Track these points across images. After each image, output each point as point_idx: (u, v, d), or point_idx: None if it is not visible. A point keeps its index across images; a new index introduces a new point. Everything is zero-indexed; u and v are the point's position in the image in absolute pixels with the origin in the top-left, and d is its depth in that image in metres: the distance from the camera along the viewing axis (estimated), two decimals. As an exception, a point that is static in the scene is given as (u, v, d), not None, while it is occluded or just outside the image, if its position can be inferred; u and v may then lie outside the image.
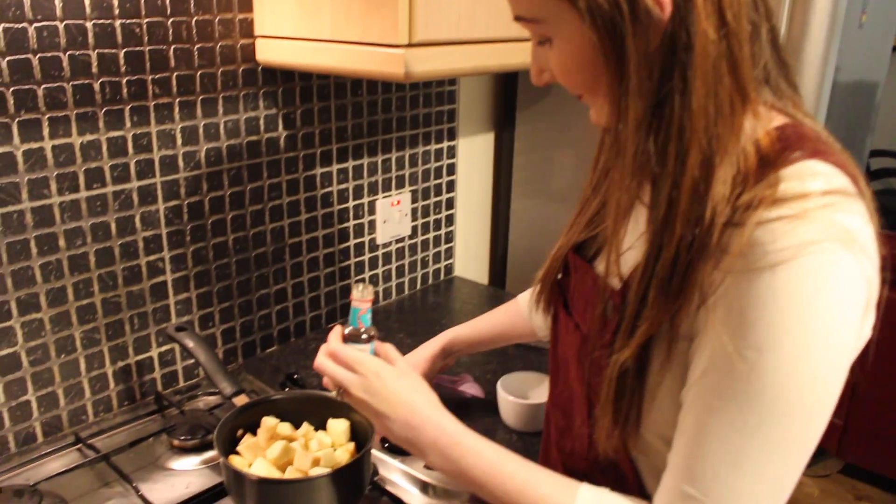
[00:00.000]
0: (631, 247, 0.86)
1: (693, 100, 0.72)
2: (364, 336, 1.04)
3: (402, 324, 1.87)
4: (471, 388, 1.47)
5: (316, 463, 1.12)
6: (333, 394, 1.00)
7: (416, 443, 0.93)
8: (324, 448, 1.15)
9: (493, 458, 0.88)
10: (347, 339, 1.04)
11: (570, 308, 0.99)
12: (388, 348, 1.07)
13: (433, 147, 2.00)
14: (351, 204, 1.83)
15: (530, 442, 1.41)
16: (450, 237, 2.15)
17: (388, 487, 1.26)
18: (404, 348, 1.20)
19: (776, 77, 0.79)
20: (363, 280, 1.89)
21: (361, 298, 1.04)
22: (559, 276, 1.03)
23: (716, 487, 0.73)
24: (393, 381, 0.97)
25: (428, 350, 1.33)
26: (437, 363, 1.33)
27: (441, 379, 1.41)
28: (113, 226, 1.40)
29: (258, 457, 1.13)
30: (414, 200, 1.99)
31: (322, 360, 1.01)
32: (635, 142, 0.75)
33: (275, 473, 1.10)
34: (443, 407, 0.95)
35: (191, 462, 1.35)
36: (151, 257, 1.47)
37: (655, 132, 0.75)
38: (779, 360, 0.69)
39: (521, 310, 1.30)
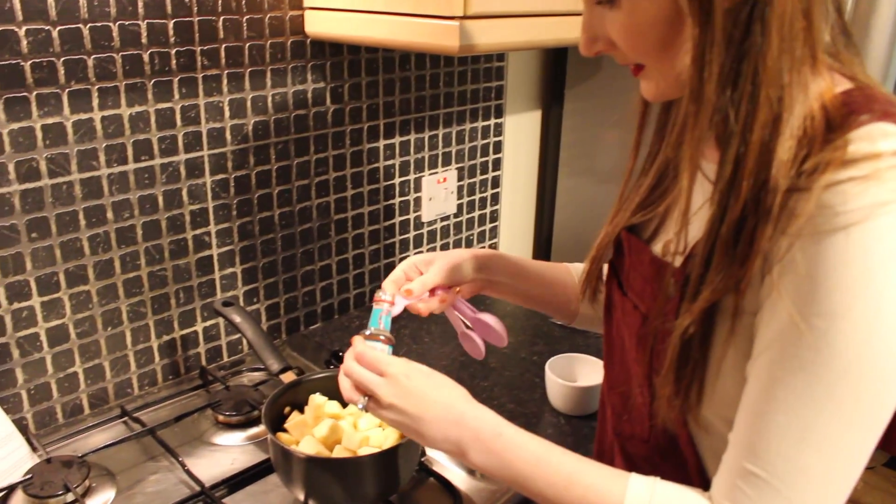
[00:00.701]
0: (690, 223, 0.82)
1: (768, 55, 0.69)
2: (382, 338, 0.98)
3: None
4: (492, 321, 1.12)
5: (364, 443, 1.10)
6: (360, 405, 0.91)
7: (456, 441, 0.87)
8: (372, 427, 1.14)
9: (538, 450, 0.85)
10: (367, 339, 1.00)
11: (625, 289, 0.96)
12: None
13: (480, 124, 1.96)
14: (397, 180, 1.80)
15: (578, 426, 1.38)
16: (495, 216, 2.12)
17: (435, 468, 1.24)
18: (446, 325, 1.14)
19: (840, 43, 0.76)
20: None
21: (383, 299, 1.01)
22: (611, 258, 0.99)
23: (780, 464, 0.70)
24: (423, 379, 0.92)
25: (463, 251, 1.13)
26: (466, 267, 1.10)
27: (461, 306, 1.13)
28: (160, 199, 1.39)
29: (306, 435, 1.12)
30: (460, 178, 1.96)
31: (349, 365, 0.93)
32: (714, 99, 0.72)
33: (323, 452, 1.09)
34: (474, 401, 0.92)
35: (235, 438, 1.34)
36: (198, 231, 1.46)
37: (732, 88, 0.72)
38: (850, 327, 0.66)
39: (572, 274, 1.23)
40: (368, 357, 0.92)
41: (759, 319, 0.73)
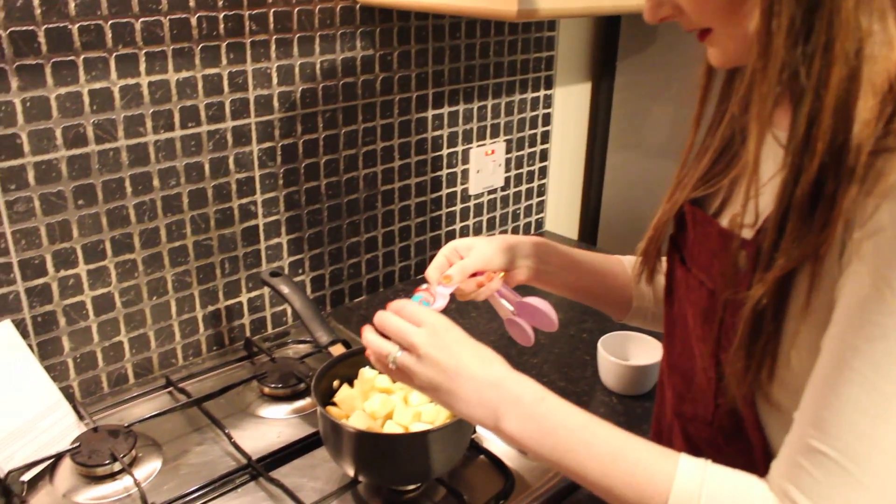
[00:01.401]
0: (761, 194, 0.78)
1: (843, 5, 0.64)
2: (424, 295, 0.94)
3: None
4: (540, 304, 1.04)
5: (416, 418, 1.07)
6: (392, 355, 0.84)
7: (493, 404, 0.81)
8: (424, 403, 1.11)
9: (583, 419, 0.80)
10: None
11: (688, 264, 0.91)
12: None
13: (529, 95, 1.91)
14: (445, 152, 1.76)
15: (631, 406, 1.35)
16: (542, 190, 2.07)
17: (486, 446, 1.21)
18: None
19: None
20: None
21: (426, 290, 0.96)
22: (670, 234, 0.94)
23: (851, 442, 0.65)
24: (463, 335, 0.86)
25: (508, 236, 1.07)
26: (510, 253, 1.04)
27: (505, 291, 1.06)
28: (206, 166, 1.36)
29: (356, 409, 1.09)
30: (508, 150, 1.92)
31: (384, 315, 0.87)
32: (784, 53, 0.67)
33: (374, 427, 1.06)
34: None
35: (281, 410, 1.32)
36: (244, 200, 1.43)
37: (804, 42, 0.67)
38: None
39: (625, 266, 1.19)
40: (408, 310, 0.87)
41: (838, 287, 0.68)
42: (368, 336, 0.88)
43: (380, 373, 0.97)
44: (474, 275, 1.01)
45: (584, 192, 2.23)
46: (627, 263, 1.14)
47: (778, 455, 0.72)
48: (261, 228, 1.48)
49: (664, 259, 0.98)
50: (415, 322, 0.85)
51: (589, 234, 2.24)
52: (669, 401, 0.97)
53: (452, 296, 0.98)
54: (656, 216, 0.95)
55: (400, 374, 0.86)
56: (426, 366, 0.83)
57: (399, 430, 1.06)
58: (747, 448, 0.82)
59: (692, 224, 0.90)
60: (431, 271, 1.01)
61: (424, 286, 0.97)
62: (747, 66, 0.72)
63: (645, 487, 0.74)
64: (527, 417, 0.80)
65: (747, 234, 0.77)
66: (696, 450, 0.86)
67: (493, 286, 1.03)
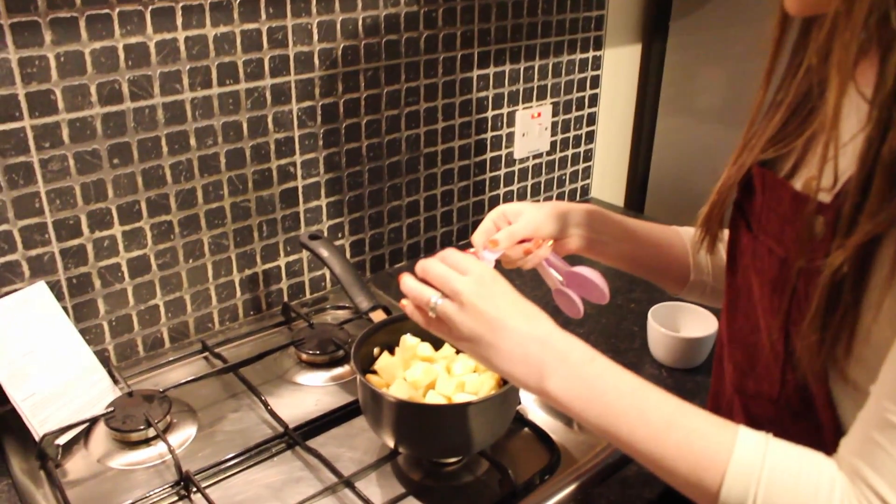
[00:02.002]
0: (842, 155, 0.72)
1: None
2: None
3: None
4: (591, 275, 0.98)
5: (459, 388, 1.03)
6: (433, 300, 0.78)
7: (538, 361, 0.75)
8: (467, 372, 1.06)
9: (635, 383, 0.74)
10: None
11: (756, 231, 0.85)
12: None
13: (578, 56, 1.84)
14: (490, 114, 1.70)
15: (681, 379, 1.29)
16: (588, 155, 2.01)
17: (531, 418, 1.17)
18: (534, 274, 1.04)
19: None
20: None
21: (473, 254, 0.91)
22: (734, 199, 0.88)
23: None
24: (511, 289, 0.81)
25: (560, 203, 1.01)
26: (561, 220, 0.98)
27: (554, 260, 0.99)
28: (245, 126, 1.32)
29: (397, 378, 1.05)
30: (555, 114, 1.85)
31: (427, 262, 0.82)
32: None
33: (416, 397, 1.02)
34: None
35: (319, 378, 1.28)
36: (282, 161, 1.39)
37: None
38: None
39: (682, 237, 1.13)
40: (453, 257, 0.82)
41: None
42: (408, 282, 0.83)
43: (419, 328, 0.91)
44: (522, 241, 0.96)
45: (631, 158, 2.15)
46: (685, 234, 1.08)
47: (849, 431, 0.67)
48: (300, 190, 1.44)
49: (726, 231, 0.93)
50: (460, 270, 0.80)
51: (636, 202, 2.17)
52: (729, 376, 0.91)
53: (498, 262, 0.93)
54: (720, 180, 0.89)
55: (439, 324, 0.81)
56: (468, 315, 0.77)
57: (441, 401, 1.02)
58: (815, 428, 0.76)
59: (761, 188, 0.84)
60: (477, 236, 0.97)
61: (471, 250, 0.92)
62: (828, 11, 0.65)
63: (700, 459, 0.69)
64: (574, 377, 0.75)
65: (824, 197, 0.71)
66: (758, 429, 0.81)
67: (542, 254, 0.97)
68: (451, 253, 0.83)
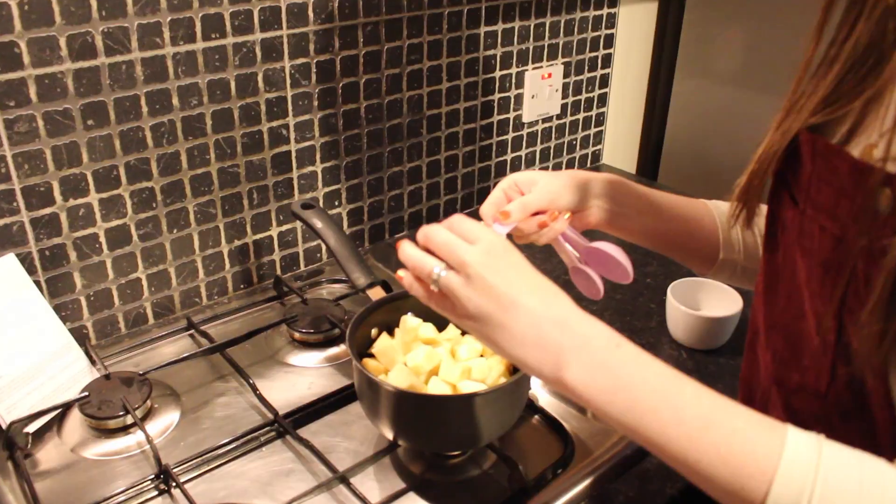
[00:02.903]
0: None
1: None
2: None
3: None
4: (613, 251, 0.87)
5: (465, 375, 0.93)
6: (436, 271, 0.69)
7: (555, 346, 0.65)
8: (474, 357, 0.97)
9: (668, 374, 0.65)
10: None
11: (804, 205, 0.75)
12: None
13: (591, 13, 1.72)
14: (497, 73, 1.59)
15: (702, 361, 1.21)
16: (601, 119, 1.90)
17: (542, 404, 1.07)
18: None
19: None
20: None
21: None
22: (775, 169, 0.78)
23: None
24: (526, 263, 0.70)
25: (577, 172, 0.91)
26: (581, 191, 0.89)
27: (571, 235, 0.90)
28: (232, 84, 1.22)
29: (396, 363, 0.96)
30: (566, 74, 1.74)
31: (431, 228, 0.72)
32: None
33: (417, 385, 0.92)
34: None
35: (313, 358, 1.19)
36: (274, 123, 1.29)
37: None
38: None
39: (712, 211, 1.02)
40: (460, 224, 0.71)
41: None
42: (408, 250, 0.72)
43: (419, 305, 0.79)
44: (536, 214, 0.86)
45: (645, 123, 2.05)
46: (715, 209, 0.99)
47: None
48: (293, 155, 1.33)
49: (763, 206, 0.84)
50: (468, 238, 0.70)
51: (649, 169, 2.07)
52: (766, 366, 0.82)
53: (510, 237, 0.84)
54: (760, 147, 0.79)
55: (441, 299, 0.71)
56: (475, 290, 0.67)
57: (446, 390, 0.92)
58: (868, 429, 0.68)
59: (810, 156, 0.74)
60: (487, 207, 0.87)
61: (485, 219, 0.82)
62: None
63: (743, 463, 0.60)
64: (596, 366, 0.65)
65: (891, 167, 0.61)
66: (800, 426, 0.72)
67: (558, 227, 0.87)
68: (458, 219, 0.73)
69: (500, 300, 0.67)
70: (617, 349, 0.66)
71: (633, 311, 1.33)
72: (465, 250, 0.68)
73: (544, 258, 1.19)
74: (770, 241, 0.81)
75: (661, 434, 0.63)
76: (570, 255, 0.90)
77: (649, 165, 2.07)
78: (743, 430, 0.61)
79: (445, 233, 0.71)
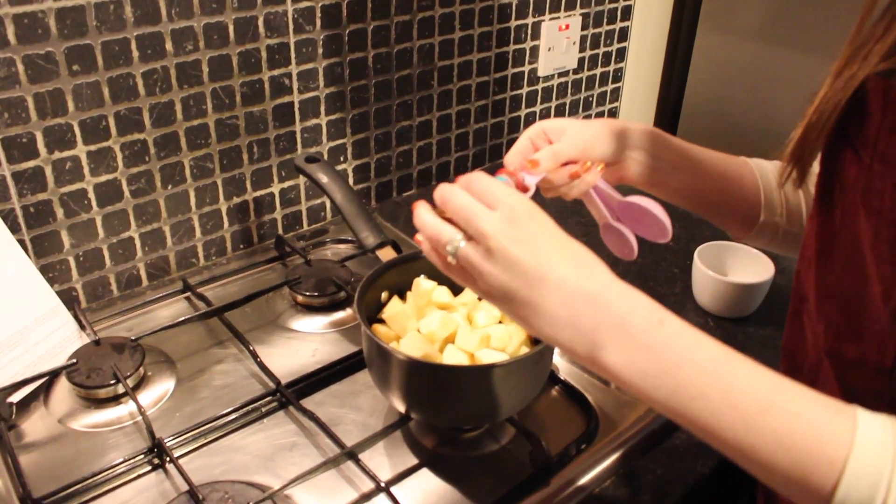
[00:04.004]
0: None
1: None
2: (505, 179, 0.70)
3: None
4: (651, 206, 0.79)
5: (484, 343, 0.86)
6: (452, 244, 0.61)
7: (590, 325, 0.58)
8: (492, 324, 0.89)
9: (719, 353, 0.58)
10: None
11: (870, 160, 0.67)
12: None
13: (611, -40, 1.63)
14: (513, 23, 1.50)
15: (731, 331, 1.14)
16: (618, 75, 1.81)
17: (563, 375, 1.00)
18: (567, 203, 0.87)
19: None
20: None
21: (511, 173, 0.73)
22: (832, 122, 0.70)
23: None
24: (554, 227, 0.62)
25: (610, 121, 0.84)
26: (614, 142, 0.81)
27: (604, 189, 0.82)
28: (231, 28, 1.13)
29: (409, 330, 0.88)
30: (584, 27, 1.65)
31: (449, 189, 0.63)
32: None
33: (432, 355, 0.85)
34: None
35: (317, 323, 1.12)
36: (276, 71, 1.20)
37: None
38: None
39: (753, 170, 0.93)
40: (481, 184, 0.63)
41: None
42: (423, 216, 0.65)
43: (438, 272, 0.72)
44: (567, 164, 0.78)
45: (664, 79, 1.96)
46: (756, 167, 0.91)
47: None
48: (296, 106, 1.25)
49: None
50: (488, 202, 0.62)
51: (667, 129, 1.96)
52: (817, 337, 0.75)
53: (537, 189, 0.76)
54: (816, 98, 0.71)
55: (461, 272, 0.64)
56: (498, 264, 0.60)
57: (462, 360, 0.85)
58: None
59: (881, 106, 0.66)
60: (512, 156, 0.79)
61: (511, 169, 0.74)
62: None
63: (808, 451, 0.53)
64: (637, 347, 0.58)
65: None
66: (857, 404, 0.66)
67: (590, 180, 0.79)
68: (478, 178, 0.64)
69: (526, 275, 0.59)
70: (660, 326, 0.58)
71: (655, 277, 1.26)
72: (485, 218, 0.60)
73: (569, 225, 1.12)
74: (824, 201, 0.74)
75: (712, 420, 0.56)
76: (601, 211, 0.82)
77: (667, 125, 1.98)
78: (807, 413, 0.54)
79: (463, 196, 0.63)
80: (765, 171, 0.91)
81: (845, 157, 0.70)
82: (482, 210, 0.61)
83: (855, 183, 0.68)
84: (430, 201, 0.65)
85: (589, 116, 1.79)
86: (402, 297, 0.95)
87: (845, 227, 0.70)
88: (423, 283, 0.93)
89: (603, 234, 0.83)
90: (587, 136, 0.79)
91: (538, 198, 0.71)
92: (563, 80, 1.67)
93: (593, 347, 0.59)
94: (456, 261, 0.62)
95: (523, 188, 0.74)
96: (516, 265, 0.59)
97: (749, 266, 1.17)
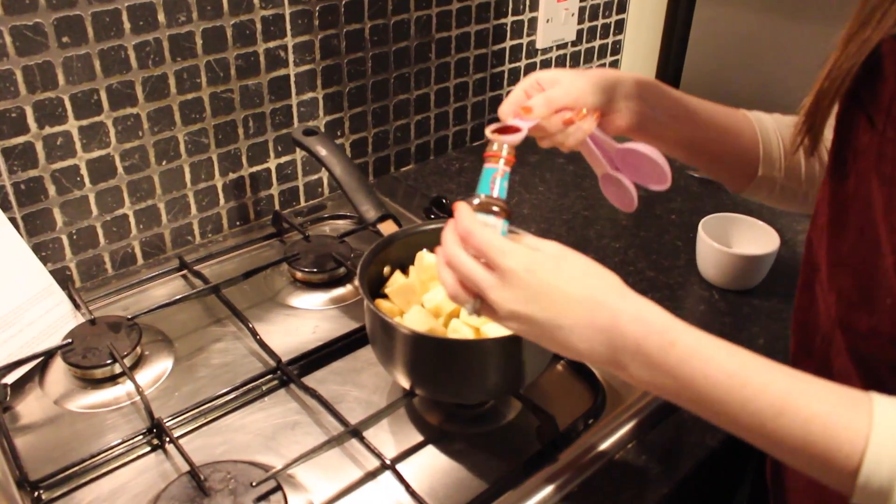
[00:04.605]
0: None
1: None
2: (496, 209, 0.68)
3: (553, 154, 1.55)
4: (649, 151, 0.78)
5: (490, 316, 0.84)
6: (468, 307, 0.65)
7: (609, 353, 0.62)
8: (499, 297, 0.87)
9: (730, 364, 0.59)
10: (475, 211, 0.69)
11: (883, 126, 0.65)
12: (527, 235, 0.73)
13: (610, -70, 1.60)
14: (511, -6, 1.48)
15: (736, 303, 1.12)
16: (617, 48, 1.78)
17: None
18: (564, 171, 0.85)
19: None
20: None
21: (499, 154, 0.70)
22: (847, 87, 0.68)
23: None
24: (553, 270, 0.64)
25: (605, 70, 0.82)
26: (609, 90, 0.80)
27: (601, 138, 0.81)
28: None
29: (412, 304, 0.86)
30: (582, -3, 1.62)
31: (452, 250, 0.66)
32: None
33: (437, 329, 0.83)
34: (632, 291, 0.64)
35: (316, 300, 1.10)
36: (271, 44, 1.17)
37: None
38: None
39: (753, 123, 0.92)
40: (476, 239, 0.65)
41: None
42: (443, 274, 0.67)
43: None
44: (560, 111, 0.76)
45: (662, 52, 1.93)
46: (756, 121, 0.90)
47: None
48: (292, 79, 1.22)
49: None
50: (488, 262, 0.64)
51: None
52: (829, 308, 0.73)
53: (520, 158, 0.74)
54: (828, 63, 0.69)
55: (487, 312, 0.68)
56: (513, 322, 0.65)
57: (468, 334, 0.83)
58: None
59: None
60: (506, 106, 0.78)
61: (494, 148, 0.71)
62: None
63: (825, 449, 0.55)
64: (653, 366, 0.61)
65: None
66: (869, 377, 0.67)
67: (586, 128, 0.78)
68: (472, 232, 0.65)
69: (541, 325, 0.64)
70: (672, 349, 0.60)
71: (658, 250, 1.24)
72: (489, 287, 0.64)
73: (560, 190, 1.10)
74: (837, 168, 0.72)
75: (732, 426, 0.59)
76: (600, 161, 0.81)
77: (666, 97, 1.96)
78: (822, 413, 0.56)
79: (464, 259, 0.65)
80: (765, 124, 0.90)
81: (858, 123, 0.68)
82: (484, 279, 0.64)
83: (868, 150, 0.67)
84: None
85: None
86: (405, 271, 0.93)
87: (858, 194, 0.68)
88: (426, 257, 0.91)
89: (602, 186, 0.82)
90: (580, 83, 0.78)
91: (535, 168, 0.69)
92: (561, 52, 1.65)
93: (617, 367, 0.63)
94: (479, 316, 0.67)
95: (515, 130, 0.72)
96: (530, 320, 0.63)
97: (754, 238, 1.16)
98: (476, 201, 0.68)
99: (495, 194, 0.68)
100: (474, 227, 0.65)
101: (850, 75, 0.67)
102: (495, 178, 0.69)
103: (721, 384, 0.58)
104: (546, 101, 0.76)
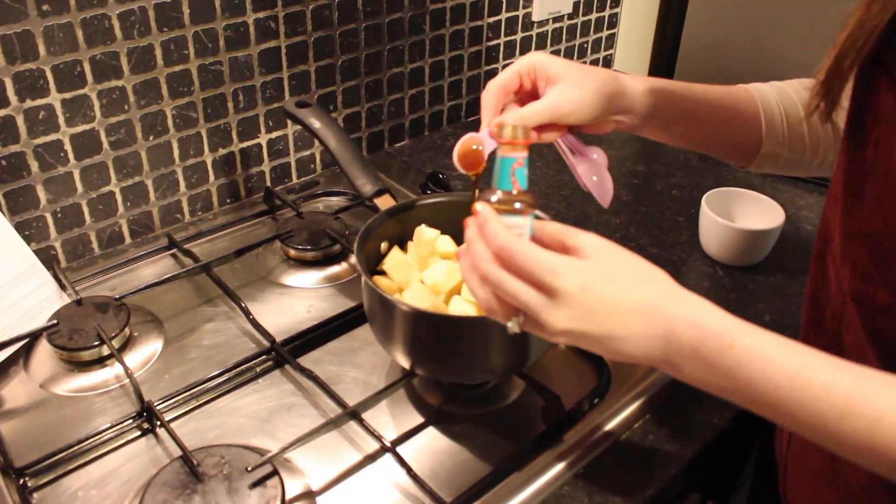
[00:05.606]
0: None
1: None
2: (519, 205, 0.63)
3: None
4: (601, 161, 0.81)
5: (493, 293, 0.81)
6: (509, 325, 0.62)
7: (664, 358, 0.61)
8: (501, 273, 0.84)
9: (790, 365, 0.57)
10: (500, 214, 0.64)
11: None
12: (555, 228, 0.66)
13: None
14: (507, -37, 1.44)
15: (740, 279, 1.10)
16: (613, 21, 1.75)
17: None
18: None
19: None
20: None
21: (515, 140, 0.64)
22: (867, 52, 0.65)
23: None
24: (607, 281, 0.61)
25: (609, 75, 0.79)
26: (616, 102, 0.78)
27: (569, 138, 0.80)
28: (211, -33, 1.06)
29: (411, 280, 0.83)
30: (579, -32, 1.59)
31: (488, 268, 0.62)
32: None
33: (439, 306, 0.80)
34: (685, 289, 0.62)
35: (311, 278, 1.07)
36: (261, 14, 1.13)
37: None
38: None
39: (754, 97, 0.90)
40: (519, 260, 0.60)
41: None
42: (474, 288, 0.64)
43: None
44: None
45: (659, 24, 1.90)
46: (758, 94, 0.88)
47: None
48: (283, 51, 1.18)
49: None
50: (539, 285, 0.60)
51: (662, 74, 1.93)
52: (843, 280, 0.71)
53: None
54: (848, 25, 0.66)
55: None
56: (564, 337, 0.62)
57: (469, 311, 0.80)
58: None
59: None
60: (494, 87, 0.76)
61: (507, 133, 0.65)
62: None
63: (889, 447, 0.54)
64: (710, 369, 0.60)
65: None
66: (887, 353, 0.65)
67: (548, 138, 0.76)
68: (514, 253, 0.60)
69: (594, 339, 0.62)
70: (730, 352, 0.58)
71: (660, 225, 1.21)
72: (542, 309, 0.61)
73: (558, 165, 1.07)
74: (855, 134, 0.69)
75: (793, 424, 0.58)
76: (568, 158, 0.81)
77: (663, 71, 1.93)
78: (887, 414, 0.54)
79: (511, 283, 0.61)
80: (767, 98, 0.89)
81: (880, 86, 0.65)
82: (535, 300, 0.60)
83: (890, 114, 0.64)
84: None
85: (584, 63, 1.73)
86: (403, 247, 0.90)
87: (878, 161, 0.65)
88: (425, 232, 0.88)
89: (575, 176, 0.81)
90: (584, 92, 0.75)
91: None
92: (557, 25, 1.61)
93: (672, 369, 0.61)
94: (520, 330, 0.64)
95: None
96: (585, 336, 0.61)
97: (758, 212, 1.13)
98: (494, 198, 0.63)
99: (517, 188, 0.64)
100: (513, 245, 0.60)
101: (873, 35, 0.64)
102: (515, 170, 0.64)
103: (781, 386, 0.56)
104: (521, 121, 0.72)
